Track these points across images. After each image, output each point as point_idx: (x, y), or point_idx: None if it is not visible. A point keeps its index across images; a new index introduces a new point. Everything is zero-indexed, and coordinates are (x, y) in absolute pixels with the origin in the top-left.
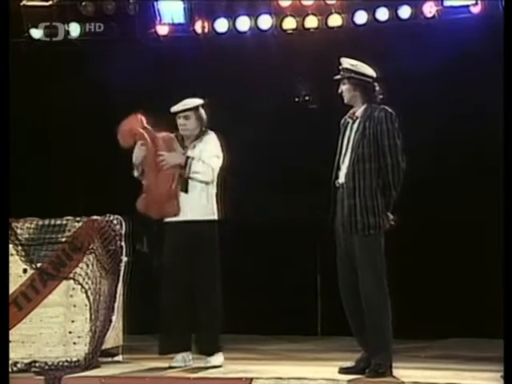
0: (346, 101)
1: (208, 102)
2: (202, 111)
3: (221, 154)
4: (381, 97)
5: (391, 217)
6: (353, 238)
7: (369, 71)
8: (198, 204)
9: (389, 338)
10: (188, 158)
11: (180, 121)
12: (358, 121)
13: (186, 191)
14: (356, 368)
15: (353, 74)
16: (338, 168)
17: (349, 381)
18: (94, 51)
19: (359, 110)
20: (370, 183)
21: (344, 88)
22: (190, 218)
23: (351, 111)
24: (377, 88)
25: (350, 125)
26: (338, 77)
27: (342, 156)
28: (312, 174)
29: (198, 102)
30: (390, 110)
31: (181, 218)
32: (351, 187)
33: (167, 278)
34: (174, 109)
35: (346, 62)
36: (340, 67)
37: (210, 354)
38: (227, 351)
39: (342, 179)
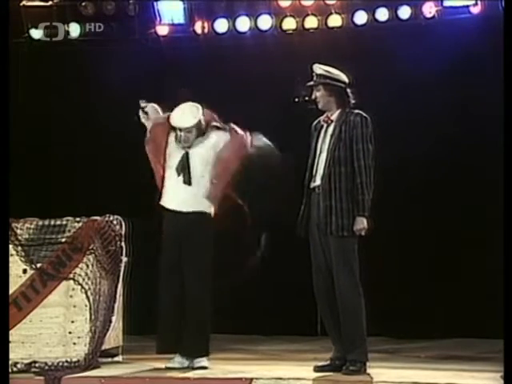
0: (320, 106)
1: (204, 105)
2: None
3: None
4: (353, 101)
5: (364, 220)
6: (328, 239)
7: (342, 77)
8: (196, 197)
9: (363, 335)
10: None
11: (183, 135)
12: (333, 124)
13: (190, 184)
14: (331, 366)
15: (328, 80)
16: (313, 170)
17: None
18: (94, 51)
19: (334, 114)
20: (346, 185)
21: (318, 94)
22: (185, 209)
23: (325, 115)
24: (350, 93)
25: (324, 128)
26: (312, 83)
27: (317, 158)
28: None
29: (200, 114)
30: (364, 114)
31: (177, 208)
32: (327, 189)
33: (162, 274)
34: (184, 124)
35: (320, 68)
36: (313, 73)
37: (194, 356)
38: (227, 351)
39: (317, 181)
